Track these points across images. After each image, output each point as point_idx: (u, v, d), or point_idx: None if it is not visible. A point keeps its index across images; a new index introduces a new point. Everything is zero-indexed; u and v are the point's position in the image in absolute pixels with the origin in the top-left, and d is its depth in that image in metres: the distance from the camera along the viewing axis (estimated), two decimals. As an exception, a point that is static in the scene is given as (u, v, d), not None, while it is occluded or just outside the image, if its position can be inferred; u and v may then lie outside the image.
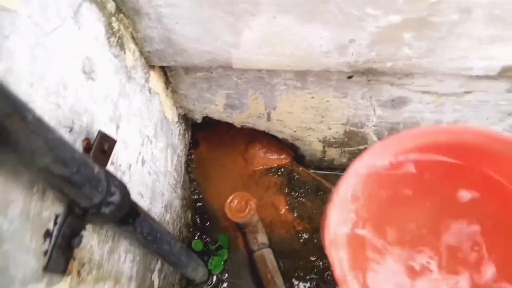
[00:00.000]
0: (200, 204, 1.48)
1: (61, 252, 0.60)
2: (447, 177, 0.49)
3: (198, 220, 1.44)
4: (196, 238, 1.39)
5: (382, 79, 0.96)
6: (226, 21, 0.77)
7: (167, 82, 1.06)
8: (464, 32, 0.76)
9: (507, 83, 0.93)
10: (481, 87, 0.96)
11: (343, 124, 1.18)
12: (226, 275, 1.35)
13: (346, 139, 1.27)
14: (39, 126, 0.43)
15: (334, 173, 1.51)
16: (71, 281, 0.64)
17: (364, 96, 1.04)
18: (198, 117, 1.23)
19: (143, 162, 0.92)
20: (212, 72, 1.00)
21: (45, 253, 0.57)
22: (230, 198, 1.33)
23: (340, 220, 0.53)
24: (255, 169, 1.54)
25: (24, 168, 0.46)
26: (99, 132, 0.66)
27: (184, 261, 1.01)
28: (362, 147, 1.30)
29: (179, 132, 1.25)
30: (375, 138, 1.24)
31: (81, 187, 0.54)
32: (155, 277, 1.05)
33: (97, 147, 0.65)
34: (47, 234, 0.58)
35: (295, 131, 1.26)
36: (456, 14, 0.72)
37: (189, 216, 1.38)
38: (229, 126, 1.29)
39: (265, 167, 1.54)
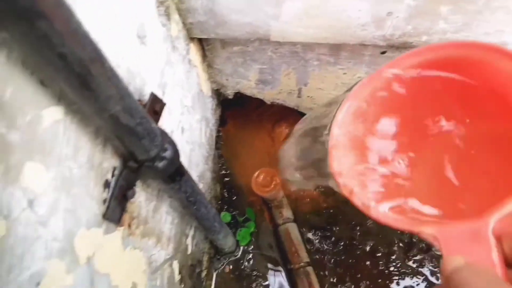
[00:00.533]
0: (228, 179, 1.52)
1: (117, 203, 0.65)
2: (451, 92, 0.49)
3: (225, 194, 1.48)
4: (223, 211, 1.44)
5: (415, 54, 0.98)
6: (269, -7, 0.80)
7: (204, 56, 1.10)
8: (501, 6, 0.78)
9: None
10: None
11: (372, 101, 1.21)
12: (252, 247, 1.39)
13: (373, 117, 1.29)
14: (113, 75, 0.48)
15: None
16: (123, 232, 0.70)
17: (395, 73, 1.06)
18: (230, 93, 1.27)
19: (182, 130, 0.97)
20: (248, 46, 1.03)
21: (104, 201, 0.62)
22: (257, 173, 1.38)
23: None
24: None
25: (95, 115, 0.50)
26: (152, 93, 0.71)
27: (217, 227, 1.06)
28: (388, 126, 1.33)
29: (212, 106, 1.29)
30: (402, 117, 1.26)
31: (142, 138, 0.58)
32: (189, 242, 1.10)
33: (150, 107, 0.70)
34: (106, 184, 0.63)
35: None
36: (494, -13, 0.74)
37: (218, 189, 1.43)
38: (256, 105, 1.32)
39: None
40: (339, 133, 0.53)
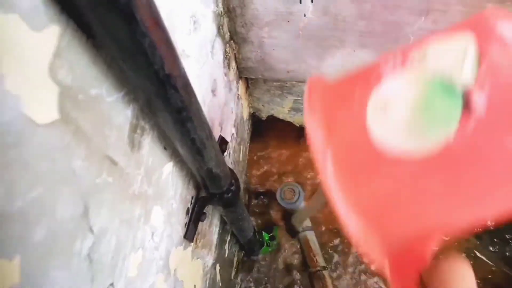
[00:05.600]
0: (254, 188, 1.70)
1: (193, 225, 0.82)
2: None
3: (252, 203, 1.66)
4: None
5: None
6: (315, 51, 0.96)
7: (247, 88, 1.26)
8: None
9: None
10: None
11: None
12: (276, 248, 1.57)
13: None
14: (215, 142, 0.65)
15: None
16: (193, 246, 0.87)
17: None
18: (264, 116, 1.44)
19: (229, 155, 1.14)
20: (286, 83, 1.20)
21: (185, 225, 0.80)
22: (281, 186, 1.55)
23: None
24: (309, 157, 1.75)
25: (197, 170, 0.67)
26: (220, 136, 0.88)
27: (252, 236, 1.24)
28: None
29: (248, 128, 1.46)
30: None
31: (221, 180, 0.75)
32: (226, 247, 1.28)
33: (219, 147, 0.87)
34: (187, 211, 0.80)
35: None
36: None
37: (246, 197, 1.60)
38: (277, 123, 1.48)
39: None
40: None
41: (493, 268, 1.48)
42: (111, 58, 0.43)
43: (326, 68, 1.02)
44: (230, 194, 0.83)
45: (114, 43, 0.38)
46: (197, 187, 0.84)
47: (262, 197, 1.69)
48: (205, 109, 0.83)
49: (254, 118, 1.52)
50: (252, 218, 1.62)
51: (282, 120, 1.46)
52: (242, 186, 1.47)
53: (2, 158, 0.30)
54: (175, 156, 0.67)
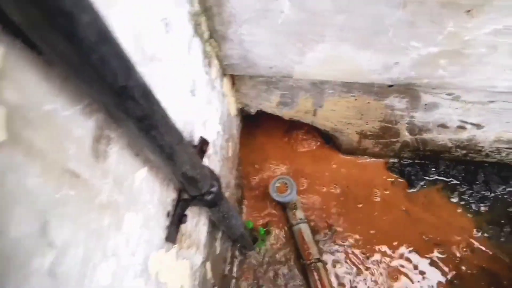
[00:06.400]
0: (247, 182, 1.70)
1: (175, 227, 0.82)
2: None
3: (246, 197, 1.66)
4: (244, 211, 1.62)
5: (418, 88, 1.13)
6: (295, 46, 0.95)
7: (233, 84, 1.25)
8: (490, 61, 0.92)
9: (527, 97, 1.09)
10: (504, 98, 1.12)
11: (379, 121, 1.36)
12: (271, 242, 1.58)
13: (381, 133, 1.45)
14: (186, 146, 0.64)
15: (366, 159, 1.70)
16: (177, 248, 0.87)
17: (401, 100, 1.21)
18: (253, 111, 1.43)
19: (216, 152, 1.13)
20: (272, 78, 1.18)
21: (166, 227, 0.80)
22: (273, 180, 1.55)
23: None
24: (299, 151, 1.75)
25: (171, 173, 0.67)
26: (201, 137, 0.87)
27: (243, 232, 1.24)
28: (394, 139, 1.49)
29: (237, 123, 1.45)
30: (406, 133, 1.42)
31: (199, 182, 0.75)
32: (218, 244, 1.28)
33: (199, 149, 0.87)
34: (168, 214, 0.80)
35: (336, 125, 1.45)
36: (484, 48, 0.89)
37: (240, 193, 1.60)
38: (267, 118, 1.48)
39: (306, 149, 1.75)
40: None
41: (490, 255, 1.48)
42: (64, 72, 0.43)
43: (310, 62, 1.01)
44: (210, 196, 0.83)
45: (61, 61, 0.37)
46: (179, 190, 0.84)
47: (256, 191, 1.70)
48: (183, 110, 0.82)
49: (244, 113, 1.51)
50: (247, 213, 1.63)
51: (271, 115, 1.45)
52: (233, 182, 1.48)
53: None
54: (150, 161, 0.67)
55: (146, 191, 0.68)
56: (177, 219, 0.83)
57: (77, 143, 0.47)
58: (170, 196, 0.80)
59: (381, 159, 1.68)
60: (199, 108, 0.92)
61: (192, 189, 0.78)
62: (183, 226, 0.91)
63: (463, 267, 1.46)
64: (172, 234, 0.82)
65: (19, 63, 0.38)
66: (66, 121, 0.45)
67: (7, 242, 0.37)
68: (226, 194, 1.35)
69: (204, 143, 0.88)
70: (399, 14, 0.81)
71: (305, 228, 1.57)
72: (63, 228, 0.45)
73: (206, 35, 0.92)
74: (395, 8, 0.80)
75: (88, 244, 0.51)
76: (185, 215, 0.85)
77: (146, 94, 0.47)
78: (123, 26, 0.56)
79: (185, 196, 0.84)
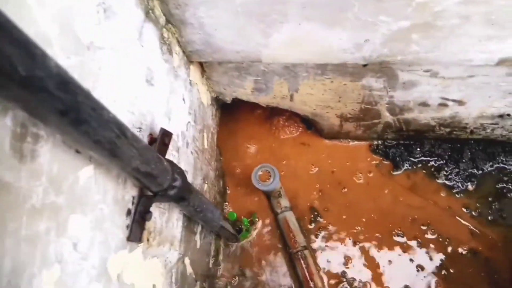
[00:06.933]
0: (229, 173, 1.66)
1: (138, 225, 0.78)
2: None
3: (228, 188, 1.62)
4: (227, 203, 1.58)
5: (394, 66, 1.08)
6: (258, 27, 0.90)
7: (203, 72, 1.20)
8: (464, 33, 0.88)
9: (506, 68, 1.05)
10: (483, 72, 1.08)
11: (358, 102, 1.32)
12: (256, 232, 1.54)
13: (361, 115, 1.41)
14: (134, 139, 0.60)
15: (349, 143, 1.66)
16: (143, 247, 0.83)
17: (378, 80, 1.17)
18: (228, 99, 1.38)
19: (187, 144, 1.09)
20: (242, 63, 1.13)
21: (127, 227, 0.75)
22: (256, 169, 1.50)
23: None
24: (281, 138, 1.70)
25: (120, 170, 0.63)
26: (161, 129, 0.82)
27: (224, 224, 1.20)
28: (376, 121, 1.44)
29: (212, 113, 1.40)
30: (387, 114, 1.37)
31: (156, 177, 0.71)
32: (197, 238, 1.24)
33: (160, 141, 0.82)
34: (128, 212, 0.76)
35: (315, 109, 1.40)
36: (456, 19, 0.84)
37: (221, 184, 1.56)
38: (247, 106, 1.43)
39: (288, 136, 1.71)
40: None
41: (478, 234, 1.45)
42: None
43: (276, 44, 0.96)
44: (174, 190, 0.78)
45: None
46: (139, 187, 0.79)
47: (239, 181, 1.65)
48: (138, 101, 0.77)
49: (220, 102, 1.46)
50: (232, 204, 1.59)
51: (250, 102, 1.40)
52: (212, 174, 1.43)
53: None
54: (97, 159, 0.62)
55: (95, 191, 0.63)
56: (139, 217, 0.78)
57: (-10, 143, 0.42)
58: (128, 193, 0.75)
59: (364, 142, 1.64)
60: (159, 98, 0.87)
61: (151, 185, 0.73)
62: (150, 224, 0.87)
63: (451, 248, 1.43)
64: (135, 233, 0.78)
65: None
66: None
67: None
68: (205, 187, 1.31)
69: (165, 135, 0.83)
70: (362, -13, 0.76)
71: (290, 216, 1.54)
72: (-20, 239, 0.41)
73: (162, 20, 0.87)
74: (357, -19, 0.75)
75: (19, 253, 0.47)
76: (149, 212, 0.81)
77: (65, 84, 0.42)
78: (46, 13, 0.51)
79: (147, 193, 0.79)
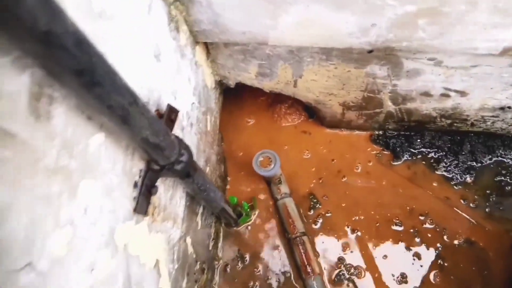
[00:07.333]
0: (230, 158, 1.67)
1: (144, 198, 0.79)
2: None
3: (230, 173, 1.63)
4: (227, 187, 1.60)
5: (399, 53, 1.09)
6: (267, 8, 0.91)
7: (208, 54, 1.21)
8: (471, 20, 0.89)
9: (510, 59, 1.06)
10: (486, 62, 1.09)
11: (362, 90, 1.33)
12: (256, 217, 1.56)
13: (364, 104, 1.42)
14: (144, 109, 0.61)
15: (351, 132, 1.67)
16: (148, 220, 0.84)
17: (382, 68, 1.18)
18: (232, 83, 1.39)
19: (191, 125, 1.09)
20: (248, 46, 1.14)
21: (134, 198, 0.76)
22: (257, 154, 1.52)
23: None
24: (283, 125, 1.72)
25: (130, 139, 0.64)
26: (168, 105, 0.83)
27: (225, 207, 1.22)
28: (378, 110, 1.45)
29: (215, 96, 1.41)
30: (390, 103, 1.39)
31: (164, 150, 0.72)
32: (199, 219, 1.26)
33: (167, 117, 0.83)
34: (135, 184, 0.77)
35: (318, 96, 1.41)
36: (463, 5, 0.85)
37: (222, 168, 1.57)
38: (250, 92, 1.45)
39: (290, 124, 1.72)
40: None
41: (475, 225, 1.47)
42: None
43: (284, 26, 0.97)
44: (180, 165, 0.79)
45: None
46: (147, 161, 0.80)
47: (240, 167, 1.67)
48: (146, 75, 0.78)
49: (223, 87, 1.47)
50: (232, 188, 1.60)
51: (253, 88, 1.41)
52: (214, 157, 1.44)
53: None
54: (107, 126, 0.63)
55: (105, 159, 0.64)
56: (146, 190, 0.79)
57: (9, 99, 0.43)
58: (136, 166, 0.76)
59: (365, 132, 1.65)
60: (166, 75, 0.88)
61: (159, 157, 0.74)
62: (155, 199, 0.88)
63: (448, 238, 1.45)
64: (142, 206, 0.79)
65: None
66: (-7, 74, 0.41)
67: None
68: (207, 170, 1.32)
69: (172, 111, 0.84)
70: (372, -32, 0.77)
71: (289, 202, 1.55)
72: (-2, 193, 0.42)
73: (171, -3, 0.87)
74: (367, -38, 0.76)
75: (34, 210, 0.48)
76: (155, 186, 0.82)
77: (81, 43, 0.43)
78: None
79: (154, 166, 0.80)
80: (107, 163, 0.65)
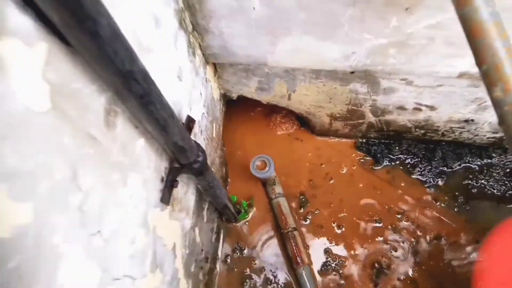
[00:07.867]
0: (231, 161, 1.87)
1: (168, 191, 0.99)
2: None
3: (230, 175, 1.83)
4: (228, 187, 1.79)
5: (376, 74, 1.31)
6: (267, 38, 1.11)
7: (216, 71, 1.41)
8: (431, 50, 1.10)
9: (467, 81, 1.27)
10: (449, 82, 1.31)
11: (346, 104, 1.54)
12: (253, 214, 1.75)
13: (348, 115, 1.63)
14: (176, 120, 0.80)
15: (338, 139, 1.88)
16: (169, 209, 1.04)
17: (363, 85, 1.39)
18: (235, 96, 1.59)
19: (201, 132, 1.29)
20: (250, 65, 1.35)
21: (161, 190, 0.96)
22: (254, 158, 1.72)
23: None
24: (278, 133, 1.92)
25: (165, 143, 0.83)
26: (188, 116, 1.03)
27: (227, 203, 1.41)
28: (360, 121, 1.67)
29: (220, 107, 1.61)
30: (370, 115, 1.60)
31: (187, 151, 0.91)
32: (205, 213, 1.45)
33: (186, 125, 1.03)
34: (162, 179, 0.96)
35: (309, 108, 1.62)
36: (424, 40, 1.06)
37: (224, 171, 1.77)
38: (249, 103, 1.65)
39: (284, 132, 1.93)
40: None
41: (444, 222, 1.68)
42: (86, 60, 0.58)
43: (280, 52, 1.17)
44: (197, 164, 0.99)
45: (86, 51, 0.53)
46: (170, 160, 1.00)
47: (239, 170, 1.86)
48: (172, 92, 0.98)
49: (226, 99, 1.67)
50: (232, 189, 1.80)
51: (252, 100, 1.61)
52: (218, 160, 1.64)
53: (13, 133, 0.46)
54: (146, 133, 0.83)
55: (144, 158, 0.84)
56: (169, 183, 0.99)
57: (94, 113, 0.63)
58: (163, 164, 0.96)
59: (350, 140, 1.87)
60: (185, 91, 1.08)
61: (182, 157, 0.94)
62: (175, 191, 1.07)
63: (422, 233, 1.66)
64: (166, 196, 0.98)
65: (56, 53, 0.53)
66: (86, 97, 0.60)
67: (53, 181, 0.53)
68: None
69: (190, 120, 1.04)
70: (350, 11, 0.98)
71: (282, 201, 1.75)
72: (86, 177, 0.61)
73: (189, 28, 1.08)
74: (346, 6, 0.97)
75: (103, 192, 0.67)
76: (177, 181, 1.01)
77: (145, 76, 0.63)
78: (123, 24, 0.72)
79: (176, 165, 1.00)
80: (146, 161, 0.84)
